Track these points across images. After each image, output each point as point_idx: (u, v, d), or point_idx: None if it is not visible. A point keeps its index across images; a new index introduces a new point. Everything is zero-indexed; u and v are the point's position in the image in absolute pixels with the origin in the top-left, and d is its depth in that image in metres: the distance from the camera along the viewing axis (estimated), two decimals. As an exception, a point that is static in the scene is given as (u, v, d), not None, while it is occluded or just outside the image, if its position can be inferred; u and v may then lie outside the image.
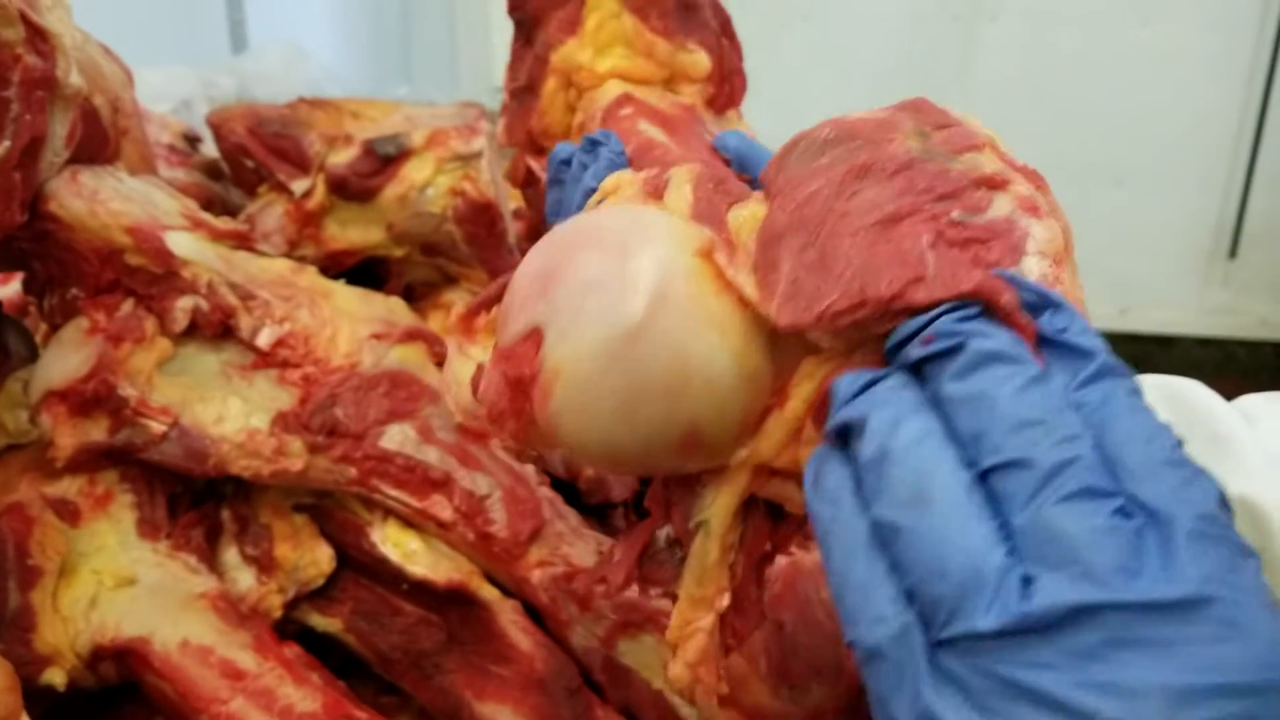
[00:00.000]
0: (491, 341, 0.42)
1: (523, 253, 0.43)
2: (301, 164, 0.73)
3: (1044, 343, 0.28)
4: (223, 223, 0.60)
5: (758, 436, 0.35)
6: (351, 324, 0.60)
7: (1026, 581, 0.25)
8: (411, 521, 0.58)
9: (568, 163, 0.46)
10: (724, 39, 0.63)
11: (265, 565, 0.58)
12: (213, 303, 0.57)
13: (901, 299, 0.30)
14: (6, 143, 0.50)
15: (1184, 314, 2.34)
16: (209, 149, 0.85)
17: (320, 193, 0.73)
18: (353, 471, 0.57)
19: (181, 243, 0.57)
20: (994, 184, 0.32)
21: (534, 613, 0.58)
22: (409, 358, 0.60)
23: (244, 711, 0.52)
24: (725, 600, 0.38)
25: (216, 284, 0.57)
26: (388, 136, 0.72)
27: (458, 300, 0.77)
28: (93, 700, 0.57)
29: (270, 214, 0.74)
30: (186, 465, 0.56)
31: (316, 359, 0.58)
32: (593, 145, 0.44)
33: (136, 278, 0.56)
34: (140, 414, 0.55)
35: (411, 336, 0.61)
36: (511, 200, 0.78)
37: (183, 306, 0.56)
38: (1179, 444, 0.26)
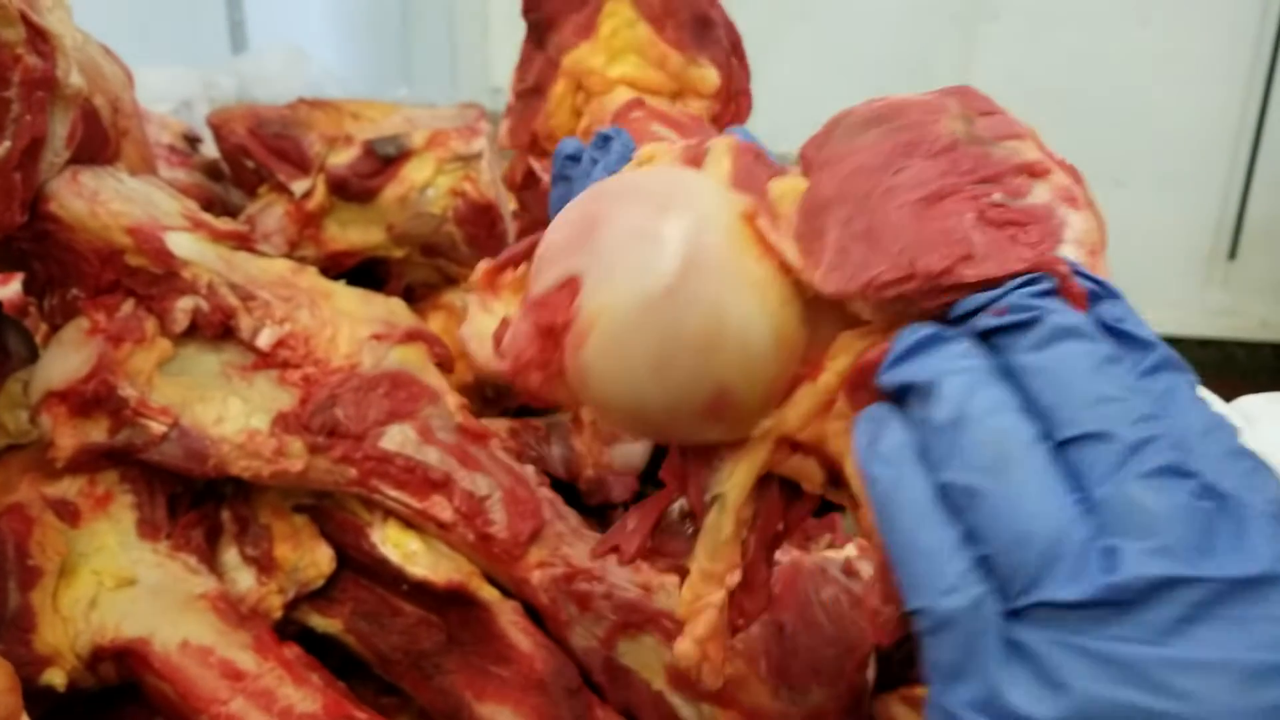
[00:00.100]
0: (517, 298, 0.42)
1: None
2: (302, 165, 0.73)
3: (1104, 330, 0.29)
4: (223, 223, 0.60)
5: (784, 407, 0.36)
6: (352, 325, 0.60)
7: (1108, 554, 0.25)
8: (411, 522, 0.58)
9: (574, 158, 0.45)
10: (734, 58, 0.64)
11: (265, 566, 0.58)
12: (213, 303, 0.57)
13: (951, 275, 0.30)
14: (7, 143, 0.50)
15: (1184, 315, 2.34)
16: (209, 149, 0.85)
17: (320, 193, 0.73)
18: (353, 472, 0.57)
19: (182, 243, 0.57)
20: (1034, 171, 0.33)
21: (534, 614, 0.58)
22: (409, 358, 0.60)
23: (244, 712, 0.52)
24: (736, 577, 0.38)
25: (217, 284, 0.57)
26: (388, 137, 0.72)
27: (458, 301, 0.77)
28: (93, 701, 0.57)
29: (270, 215, 0.74)
30: (186, 466, 0.56)
31: (317, 360, 0.58)
32: (605, 141, 0.44)
33: (137, 278, 0.56)
34: (140, 414, 0.55)
35: (412, 337, 0.61)
36: (510, 202, 0.78)
37: (183, 307, 0.56)
38: (1238, 436, 0.27)
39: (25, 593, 0.53)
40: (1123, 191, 2.29)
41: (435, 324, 0.75)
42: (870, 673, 0.54)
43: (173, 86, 1.03)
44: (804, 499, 0.38)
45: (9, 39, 0.49)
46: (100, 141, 0.57)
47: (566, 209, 0.38)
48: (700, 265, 0.34)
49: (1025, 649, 0.25)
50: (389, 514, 0.59)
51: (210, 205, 0.79)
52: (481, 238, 0.73)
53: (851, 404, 0.33)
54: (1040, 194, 0.32)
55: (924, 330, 0.30)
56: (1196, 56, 2.21)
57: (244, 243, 0.60)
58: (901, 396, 0.30)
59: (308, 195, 0.73)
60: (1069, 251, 0.31)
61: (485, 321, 0.43)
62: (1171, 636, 0.24)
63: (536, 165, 0.65)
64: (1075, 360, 0.28)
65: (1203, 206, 2.33)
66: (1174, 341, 0.29)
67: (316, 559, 0.58)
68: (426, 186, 0.72)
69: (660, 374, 0.34)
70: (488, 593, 0.58)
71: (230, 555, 0.58)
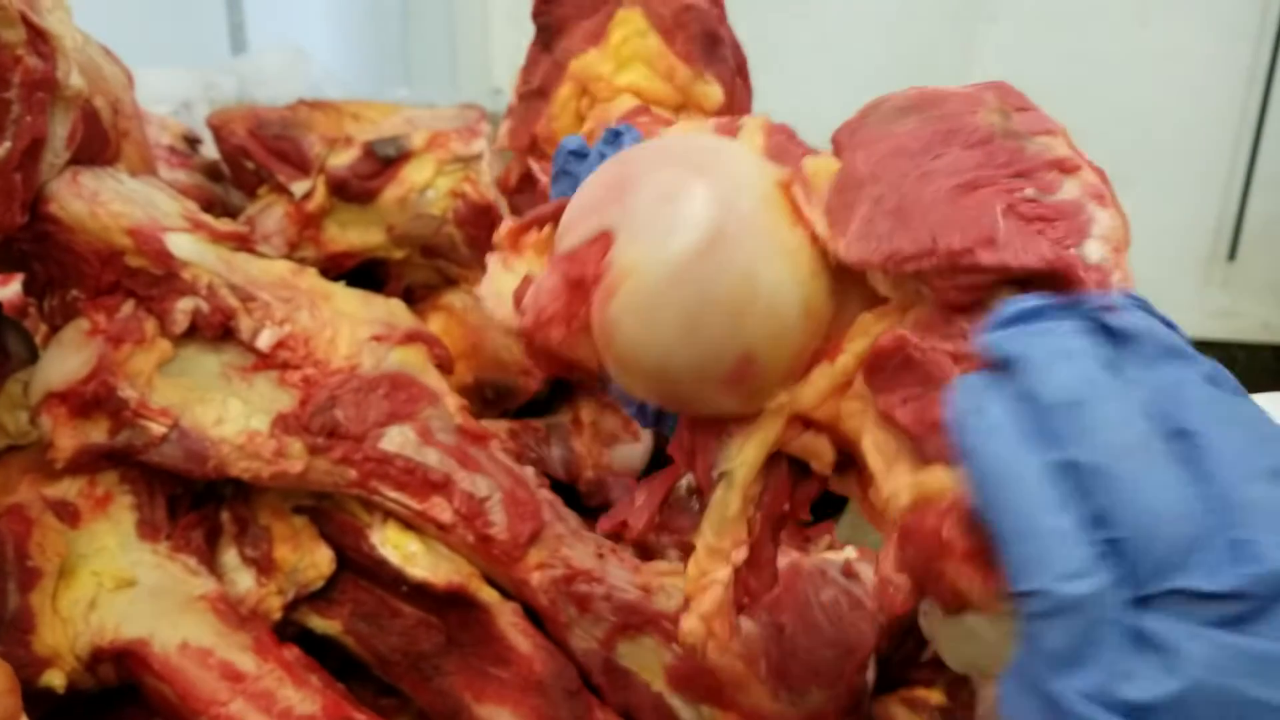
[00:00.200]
0: (540, 259, 0.42)
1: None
2: (302, 166, 0.73)
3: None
4: (223, 224, 0.60)
5: (800, 385, 0.36)
6: (352, 326, 0.60)
7: (1240, 546, 0.25)
8: (411, 523, 0.58)
9: (578, 154, 0.45)
10: (739, 78, 0.64)
11: (265, 567, 0.58)
12: (213, 304, 0.57)
13: (970, 256, 0.31)
14: (7, 144, 0.50)
15: (1183, 317, 2.30)
16: (209, 150, 0.85)
17: (320, 194, 0.73)
18: (352, 473, 0.57)
19: (182, 244, 0.57)
20: (1066, 168, 0.33)
21: (534, 615, 0.58)
22: (409, 360, 0.60)
23: (243, 713, 0.52)
24: (742, 554, 0.39)
25: (217, 285, 0.57)
26: (388, 138, 0.72)
27: (458, 302, 0.77)
28: (92, 702, 0.57)
29: (270, 216, 0.74)
30: (186, 467, 0.56)
31: (316, 361, 0.58)
32: (615, 136, 0.44)
33: (137, 279, 0.56)
34: (140, 415, 0.55)
35: (411, 339, 0.61)
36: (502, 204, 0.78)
37: (183, 308, 0.56)
38: None
39: (25, 594, 0.53)
40: (1122, 192, 2.28)
41: (435, 325, 0.75)
42: (870, 674, 0.54)
43: (172, 87, 1.03)
44: (811, 479, 0.39)
45: (9, 40, 0.49)
46: (100, 142, 0.57)
47: (598, 170, 0.38)
48: (736, 229, 0.34)
49: (1153, 638, 0.25)
50: (389, 515, 0.59)
51: (210, 206, 0.79)
52: (482, 239, 0.73)
53: (870, 386, 0.34)
54: (1070, 190, 0.33)
55: (1030, 301, 0.30)
56: (1196, 56, 2.21)
57: (244, 244, 0.60)
58: (1004, 367, 0.29)
59: (308, 196, 0.73)
60: (1093, 248, 0.32)
61: (505, 280, 0.43)
62: None
63: (535, 167, 0.65)
64: (1181, 372, 0.28)
65: (1202, 207, 2.32)
66: (1174, 343, 0.29)
67: (316, 560, 0.58)
68: (426, 188, 0.72)
69: (689, 334, 0.34)
70: (487, 594, 0.58)
71: (230, 556, 0.58)
